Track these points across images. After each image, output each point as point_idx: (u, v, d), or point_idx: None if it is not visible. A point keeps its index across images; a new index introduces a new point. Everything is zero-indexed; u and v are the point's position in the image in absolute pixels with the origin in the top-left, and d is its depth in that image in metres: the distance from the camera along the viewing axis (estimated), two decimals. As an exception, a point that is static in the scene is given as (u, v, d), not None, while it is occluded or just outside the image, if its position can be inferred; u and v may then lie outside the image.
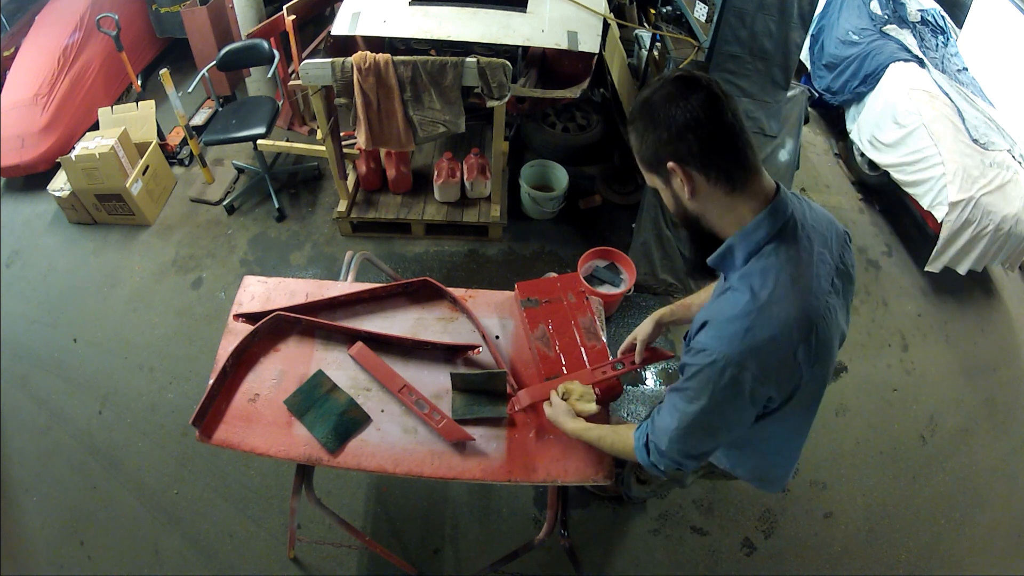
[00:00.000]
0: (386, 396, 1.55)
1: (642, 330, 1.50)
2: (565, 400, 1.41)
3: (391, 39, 2.81)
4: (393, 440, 1.47)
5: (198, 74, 3.12)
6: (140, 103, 3.33)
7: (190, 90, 3.09)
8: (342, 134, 2.94)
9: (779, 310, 0.92)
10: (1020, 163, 2.95)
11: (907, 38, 3.38)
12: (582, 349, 1.63)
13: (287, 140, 3.50)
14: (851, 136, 3.49)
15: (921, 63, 3.24)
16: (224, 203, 3.25)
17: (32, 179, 3.30)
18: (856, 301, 2.99)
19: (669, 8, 3.03)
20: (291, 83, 3.31)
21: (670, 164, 0.95)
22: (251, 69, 3.60)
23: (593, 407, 1.40)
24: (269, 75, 3.09)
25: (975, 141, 2.92)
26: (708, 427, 1.04)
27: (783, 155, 2.63)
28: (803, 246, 0.97)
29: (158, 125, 3.36)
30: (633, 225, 2.96)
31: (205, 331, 2.70)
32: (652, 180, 1.04)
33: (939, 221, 2.81)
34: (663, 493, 2.26)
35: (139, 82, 3.74)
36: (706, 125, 0.91)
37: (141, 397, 2.50)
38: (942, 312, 3.01)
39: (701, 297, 1.45)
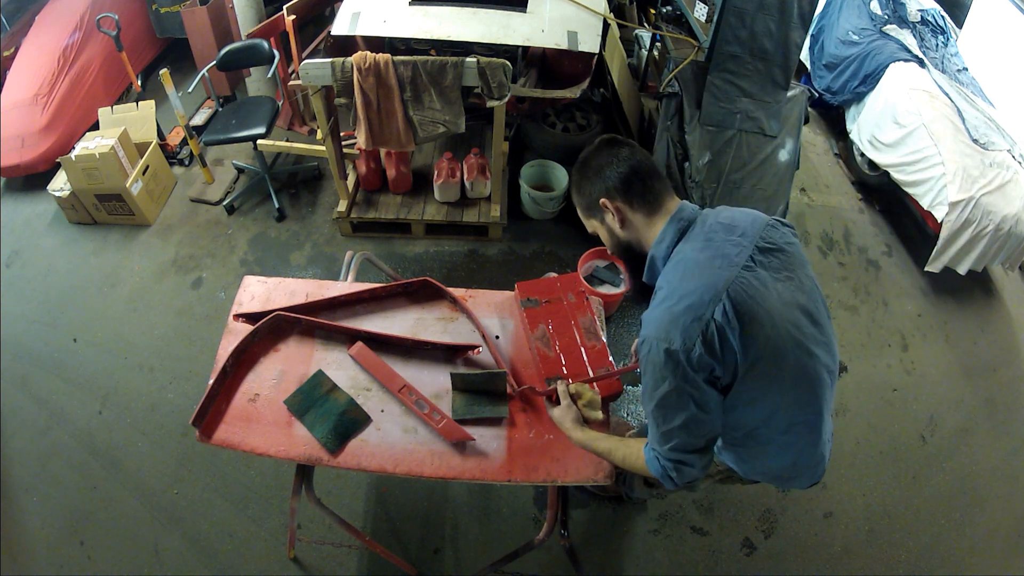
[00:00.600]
0: (386, 396, 1.55)
1: None
2: (575, 401, 1.41)
3: (391, 39, 2.80)
4: (393, 440, 1.47)
5: (198, 74, 3.12)
6: (140, 103, 3.33)
7: (190, 90, 3.10)
8: (342, 134, 2.93)
9: (689, 284, 1.07)
10: (1020, 163, 2.95)
11: (907, 38, 3.38)
12: (582, 349, 1.63)
13: (287, 140, 3.49)
14: (851, 136, 3.49)
15: (921, 63, 3.24)
16: (224, 203, 3.25)
17: (32, 179, 3.30)
18: (856, 301, 2.99)
19: (669, 8, 3.02)
20: (291, 83, 3.31)
21: (602, 201, 1.18)
22: (251, 69, 3.60)
23: (599, 415, 1.41)
24: (269, 75, 3.09)
25: (975, 141, 2.91)
26: (679, 412, 1.08)
27: (783, 155, 2.63)
28: (709, 238, 1.13)
29: (158, 125, 3.35)
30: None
31: (205, 331, 2.70)
32: (592, 225, 1.27)
33: (939, 221, 2.81)
34: (663, 494, 2.25)
35: (139, 82, 3.74)
36: (624, 165, 1.15)
37: (141, 397, 2.50)
38: (942, 312, 3.01)
39: None
